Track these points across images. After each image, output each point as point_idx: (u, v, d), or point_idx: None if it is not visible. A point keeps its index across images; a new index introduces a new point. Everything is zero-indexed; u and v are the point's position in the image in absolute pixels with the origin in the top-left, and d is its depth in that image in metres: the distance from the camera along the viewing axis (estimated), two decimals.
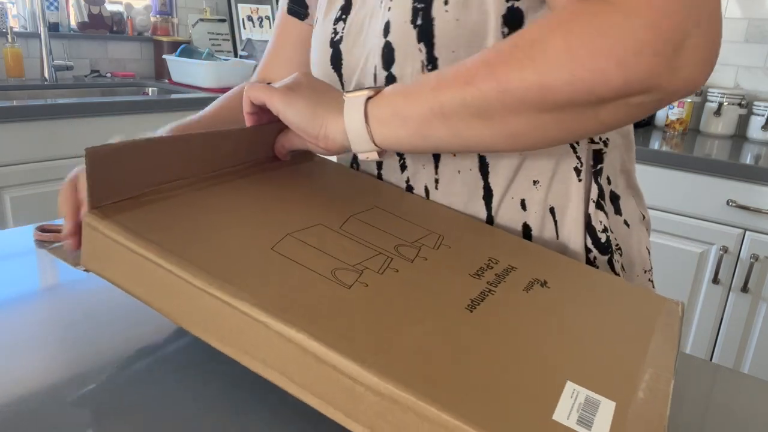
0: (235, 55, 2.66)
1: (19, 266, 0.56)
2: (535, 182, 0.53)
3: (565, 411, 0.32)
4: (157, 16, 2.45)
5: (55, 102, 1.67)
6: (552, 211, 0.54)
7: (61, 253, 0.46)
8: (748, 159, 1.50)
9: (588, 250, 0.55)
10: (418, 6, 0.48)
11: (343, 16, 0.57)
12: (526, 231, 0.55)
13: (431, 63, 0.49)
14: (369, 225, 0.47)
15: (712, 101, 1.86)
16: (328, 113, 0.47)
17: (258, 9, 2.73)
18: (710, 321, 1.57)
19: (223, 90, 1.91)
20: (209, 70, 2.14)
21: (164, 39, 2.43)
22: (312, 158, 0.58)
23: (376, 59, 0.53)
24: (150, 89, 2.31)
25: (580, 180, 0.53)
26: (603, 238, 0.54)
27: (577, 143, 0.53)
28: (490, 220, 0.55)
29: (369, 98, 0.45)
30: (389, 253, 0.43)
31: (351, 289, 0.37)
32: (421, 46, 0.49)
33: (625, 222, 0.58)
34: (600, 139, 0.54)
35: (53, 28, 2.19)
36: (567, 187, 0.53)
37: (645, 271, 0.60)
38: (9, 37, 2.01)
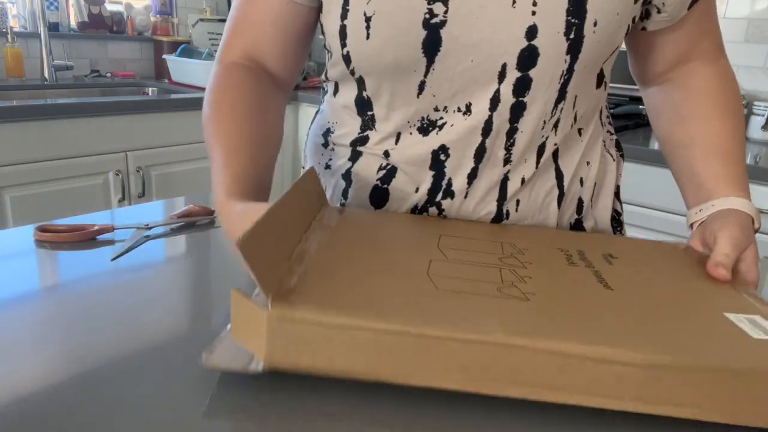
0: None
1: (19, 266, 0.56)
2: (588, 163, 0.65)
3: (752, 331, 0.39)
4: (157, 16, 2.45)
5: (55, 102, 1.67)
6: (596, 185, 0.66)
7: (219, 358, 0.38)
8: (748, 159, 1.50)
9: (618, 214, 0.71)
10: (572, 21, 0.51)
11: None
12: (580, 204, 0.66)
13: (569, 74, 0.55)
14: (459, 250, 0.50)
15: None
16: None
17: None
18: None
19: None
20: (209, 70, 2.14)
21: (164, 39, 2.44)
22: (325, 203, 0.59)
23: (508, 59, 0.53)
24: (150, 89, 2.31)
25: (614, 160, 0.69)
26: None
27: (609, 133, 0.70)
28: (561, 197, 0.63)
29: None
30: (504, 265, 0.47)
31: (533, 300, 0.41)
32: (568, 57, 0.53)
33: None
34: (614, 131, 0.71)
35: (53, 28, 2.19)
36: (606, 166, 0.67)
37: None
38: (9, 37, 2.01)
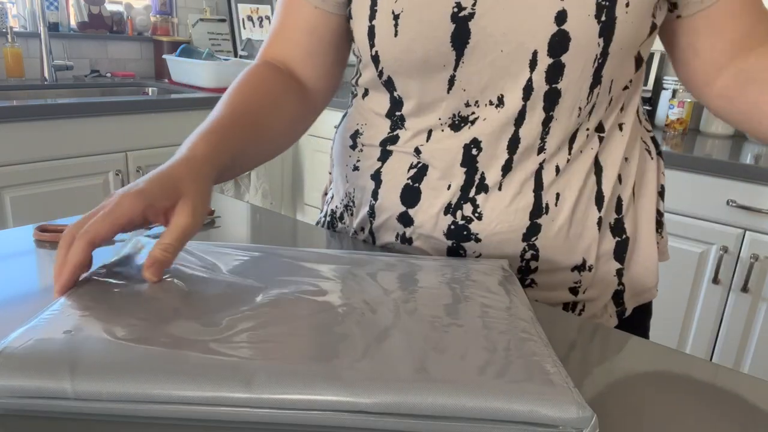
0: (235, 55, 2.66)
1: (19, 266, 0.56)
2: (626, 159, 0.63)
3: None
4: (157, 15, 2.45)
5: (55, 102, 1.67)
6: (634, 184, 0.64)
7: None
8: (748, 159, 1.50)
9: (660, 214, 0.68)
10: (603, 3, 0.52)
11: None
12: (619, 202, 0.63)
13: (603, 57, 0.54)
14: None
15: None
16: None
17: (258, 9, 2.73)
18: (710, 321, 1.57)
19: (223, 90, 1.92)
20: (209, 70, 2.14)
21: (164, 39, 2.44)
22: None
23: (539, 45, 0.53)
24: (150, 89, 2.31)
25: (652, 158, 0.66)
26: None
27: (647, 130, 0.67)
28: (600, 193, 0.61)
29: None
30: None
31: None
32: (600, 41, 0.53)
33: None
34: (651, 128, 0.69)
35: (53, 28, 2.19)
36: (644, 164, 0.65)
37: None
38: (9, 37, 2.01)
